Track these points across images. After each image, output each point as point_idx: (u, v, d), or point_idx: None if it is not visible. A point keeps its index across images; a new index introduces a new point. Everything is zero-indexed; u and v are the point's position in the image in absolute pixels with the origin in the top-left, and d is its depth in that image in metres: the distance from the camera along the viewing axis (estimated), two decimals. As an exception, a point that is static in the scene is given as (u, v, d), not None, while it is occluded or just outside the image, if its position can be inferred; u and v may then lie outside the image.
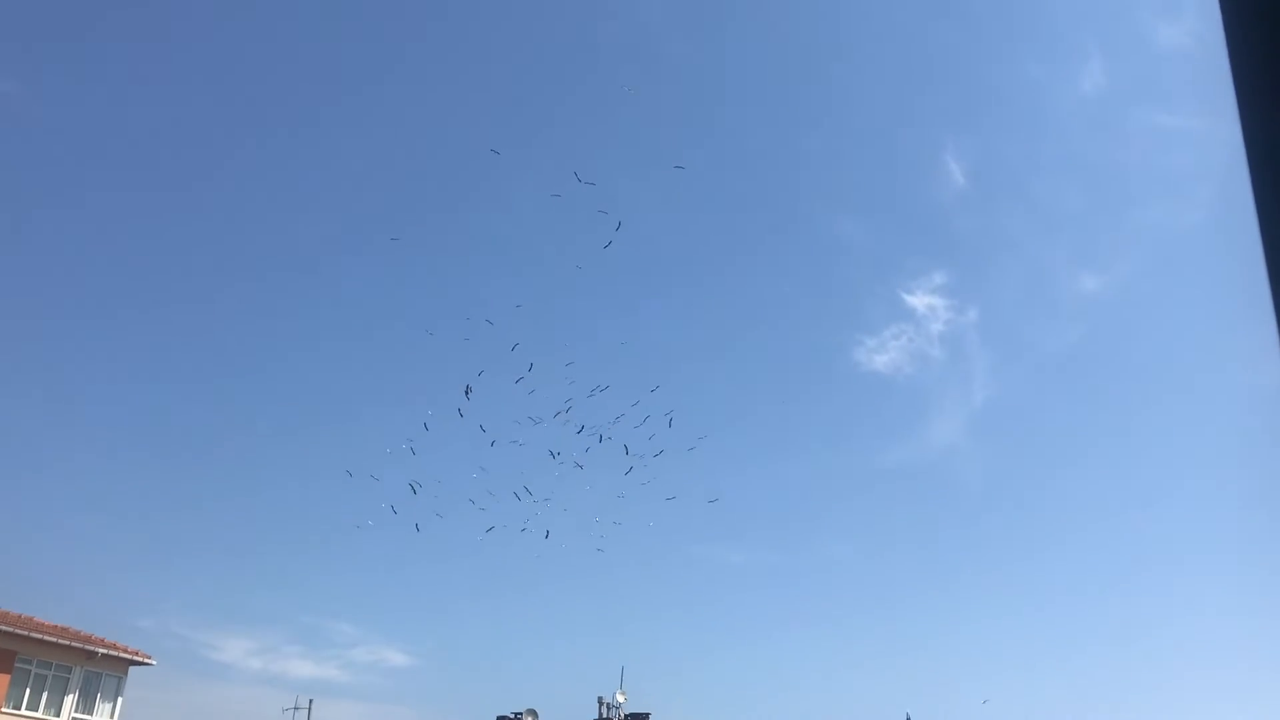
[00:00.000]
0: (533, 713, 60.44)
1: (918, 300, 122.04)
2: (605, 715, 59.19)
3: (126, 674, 41.52)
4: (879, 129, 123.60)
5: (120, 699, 41.25)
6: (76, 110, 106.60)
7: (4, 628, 37.11)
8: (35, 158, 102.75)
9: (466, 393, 37.03)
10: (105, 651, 40.38)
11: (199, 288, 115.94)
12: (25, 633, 37.85)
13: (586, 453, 38.71)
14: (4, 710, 37.13)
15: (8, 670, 37.31)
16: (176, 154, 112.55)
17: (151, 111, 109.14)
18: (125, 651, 41.47)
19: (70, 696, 39.39)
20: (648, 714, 57.27)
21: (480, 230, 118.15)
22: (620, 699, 59.12)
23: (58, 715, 38.92)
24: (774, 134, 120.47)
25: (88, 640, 40.11)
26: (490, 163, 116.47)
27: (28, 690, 38.13)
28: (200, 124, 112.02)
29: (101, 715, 40.50)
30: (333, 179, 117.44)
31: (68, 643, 39.11)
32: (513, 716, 59.91)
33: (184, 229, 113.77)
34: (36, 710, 38.30)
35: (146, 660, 42.25)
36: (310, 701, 76.27)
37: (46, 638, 38.62)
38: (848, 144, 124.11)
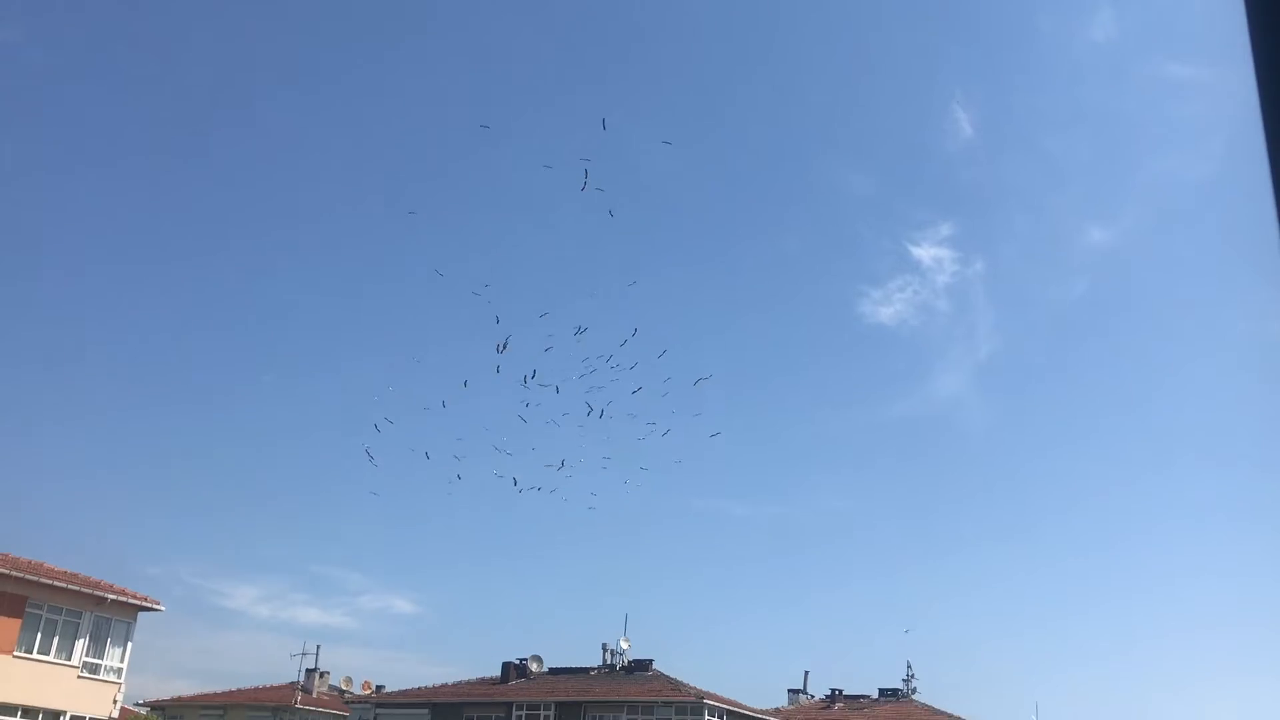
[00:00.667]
0: (537, 659, 61.21)
1: (924, 252, 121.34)
2: (609, 662, 59.92)
3: (136, 619, 41.96)
4: (886, 80, 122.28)
5: (130, 644, 41.72)
6: (77, 56, 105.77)
7: (14, 573, 37.47)
8: (37, 103, 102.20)
9: (500, 348, 37.32)
10: (114, 597, 40.77)
11: (205, 239, 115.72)
12: (35, 578, 38.18)
13: (597, 416, 38.81)
14: (17, 654, 37.59)
15: (19, 615, 37.69)
16: (180, 101, 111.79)
17: (153, 58, 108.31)
18: (134, 597, 41.88)
19: (81, 641, 39.82)
20: (650, 660, 58.07)
21: (487, 195, 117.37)
22: (624, 646, 59.85)
23: (69, 659, 39.38)
24: (779, 86, 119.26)
25: (96, 586, 40.50)
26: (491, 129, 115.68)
27: (39, 635, 38.53)
28: (207, 69, 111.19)
29: (112, 659, 40.98)
30: (342, 135, 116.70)
31: (77, 588, 39.48)
32: (518, 663, 60.69)
33: (187, 182, 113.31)
34: (49, 654, 38.74)
35: (155, 606, 42.68)
36: (318, 647, 77.18)
37: (56, 583, 38.96)
38: (854, 96, 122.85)
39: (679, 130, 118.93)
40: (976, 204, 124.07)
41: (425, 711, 57.77)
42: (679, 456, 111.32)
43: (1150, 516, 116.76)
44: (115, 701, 41.33)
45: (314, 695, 67.49)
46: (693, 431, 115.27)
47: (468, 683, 60.99)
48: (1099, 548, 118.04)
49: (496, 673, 60.54)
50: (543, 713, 54.16)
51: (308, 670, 68.26)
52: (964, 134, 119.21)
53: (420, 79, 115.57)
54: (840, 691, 67.59)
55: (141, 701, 68.82)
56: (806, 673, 70.36)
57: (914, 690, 65.26)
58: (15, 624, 37.73)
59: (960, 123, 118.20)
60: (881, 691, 66.37)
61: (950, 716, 60.35)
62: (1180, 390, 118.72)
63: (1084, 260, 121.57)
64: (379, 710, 60.01)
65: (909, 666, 66.95)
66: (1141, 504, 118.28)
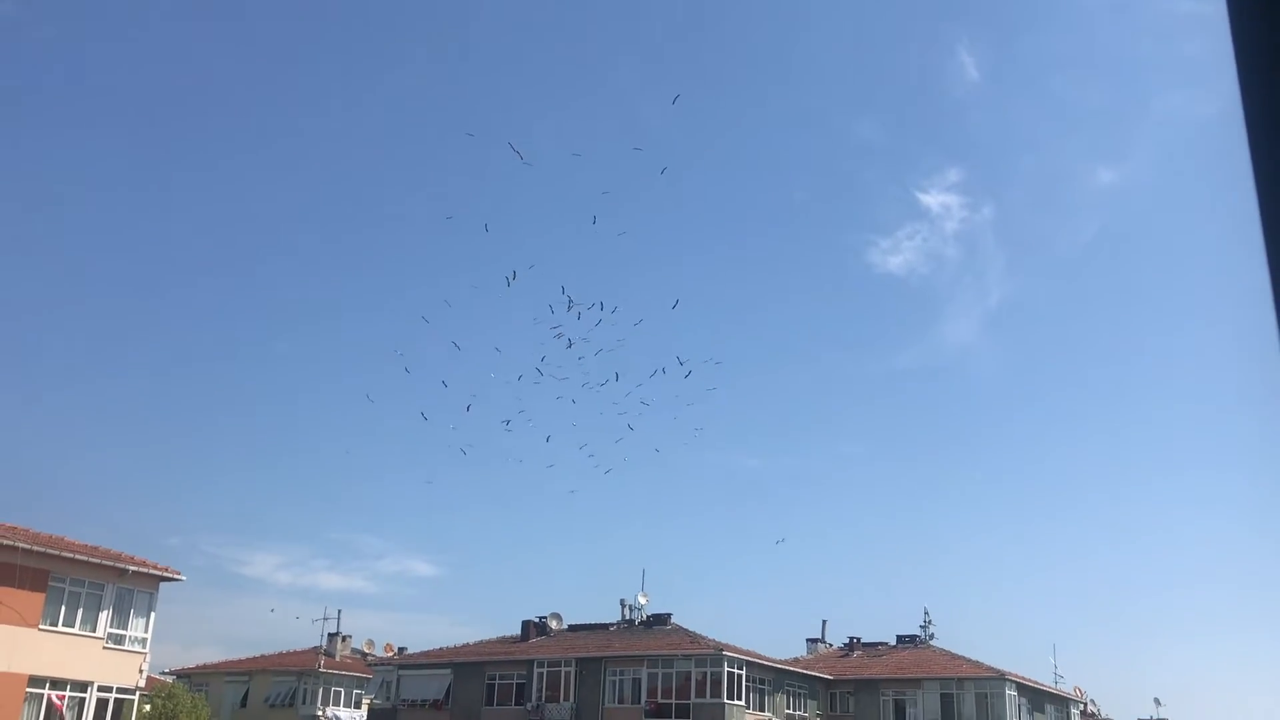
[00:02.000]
0: (557, 616, 61.68)
1: (932, 199, 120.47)
2: (628, 617, 60.38)
3: (157, 590, 42.28)
4: (891, 26, 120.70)
5: (153, 614, 42.07)
6: (75, 29, 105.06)
7: (35, 547, 37.76)
8: (36, 75, 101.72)
9: (510, 280, 37.51)
10: (135, 569, 41.06)
11: (215, 204, 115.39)
12: (56, 552, 38.50)
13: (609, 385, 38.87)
14: (43, 627, 37.97)
15: (42, 589, 38.02)
16: (179, 69, 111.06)
17: (152, 33, 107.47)
18: (155, 568, 42.19)
19: (105, 613, 40.17)
20: (669, 614, 58.49)
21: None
22: (642, 601, 60.27)
23: (94, 631, 39.76)
24: (784, 35, 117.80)
25: (117, 558, 40.78)
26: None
27: (63, 608, 38.86)
28: (209, 39, 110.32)
29: (136, 630, 41.36)
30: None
31: (98, 561, 39.74)
32: (538, 621, 61.19)
33: (184, 150, 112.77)
34: (74, 626, 39.10)
35: (176, 576, 43.02)
36: (339, 612, 77.97)
37: (77, 556, 39.27)
38: (860, 42, 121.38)
39: (684, 83, 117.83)
40: (984, 149, 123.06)
41: (448, 671, 58.41)
42: (699, 424, 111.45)
43: (1162, 460, 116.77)
44: (141, 671, 41.82)
45: (337, 659, 68.28)
46: (702, 387, 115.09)
47: (489, 642, 61.58)
48: (1111, 490, 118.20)
49: (517, 631, 61.10)
50: (564, 669, 54.71)
51: (330, 635, 69.02)
52: (970, 78, 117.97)
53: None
54: (858, 639, 68.09)
55: (167, 670, 69.74)
56: (824, 622, 70.94)
57: (931, 636, 65.72)
58: (39, 598, 38.08)
59: (966, 67, 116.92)
60: (899, 638, 66.84)
61: (968, 660, 60.77)
62: (1193, 329, 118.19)
63: (1094, 202, 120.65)
64: (402, 672, 60.70)
65: (926, 613, 67.43)
66: (1153, 447, 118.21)
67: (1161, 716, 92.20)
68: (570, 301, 37.09)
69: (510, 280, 37.51)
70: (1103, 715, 78.13)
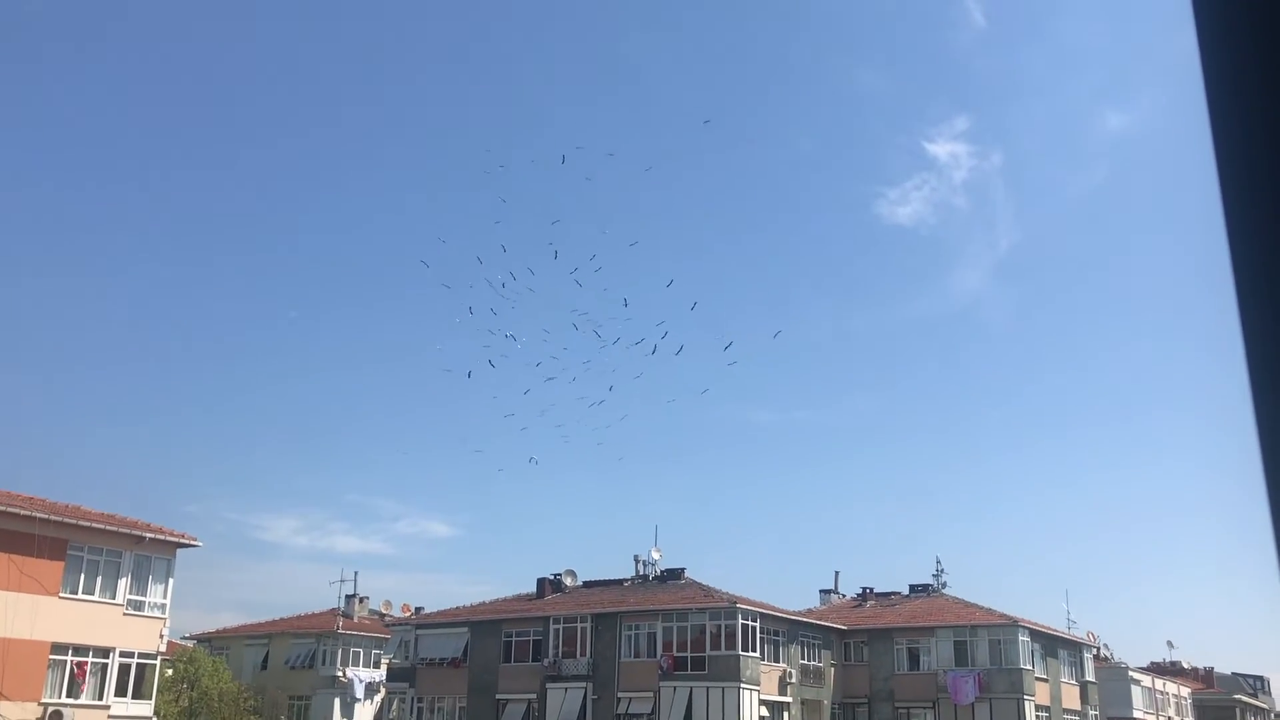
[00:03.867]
0: (571, 573, 62.12)
1: (939, 148, 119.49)
2: (641, 573, 60.78)
3: (175, 556, 42.64)
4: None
5: (171, 580, 42.47)
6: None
7: (53, 517, 38.12)
8: (44, 37, 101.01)
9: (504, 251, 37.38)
10: (152, 535, 41.40)
11: (237, 177, 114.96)
12: (74, 521, 38.86)
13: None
14: (63, 595, 38.40)
15: (60, 558, 38.43)
16: (179, 69, 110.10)
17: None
18: (171, 535, 42.53)
19: (123, 580, 40.56)
20: (682, 569, 58.82)
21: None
22: (655, 556, 60.61)
23: (114, 598, 40.16)
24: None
25: (134, 525, 41.12)
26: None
27: (82, 575, 39.28)
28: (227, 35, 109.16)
29: (155, 596, 41.78)
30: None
31: (115, 529, 40.09)
32: (552, 578, 61.64)
33: (191, 134, 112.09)
34: (93, 594, 39.50)
35: (193, 542, 43.38)
36: (355, 574, 78.63)
37: (95, 525, 39.63)
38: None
39: (687, 38, 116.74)
40: (992, 96, 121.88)
41: (465, 630, 58.98)
42: (704, 385, 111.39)
43: (1171, 402, 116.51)
44: (161, 636, 42.31)
45: (355, 620, 68.96)
46: (712, 345, 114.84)
47: (504, 600, 62.11)
48: (1122, 436, 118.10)
49: (532, 589, 61.60)
50: (579, 624, 55.18)
51: (347, 596, 69.67)
52: (976, 24, 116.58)
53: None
54: (871, 590, 68.48)
55: (188, 635, 70.60)
56: (837, 573, 71.33)
57: (944, 585, 66.06)
58: (58, 566, 38.48)
59: (972, 13, 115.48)
60: (912, 588, 67.22)
61: (981, 608, 61.13)
62: (1209, 270, 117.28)
63: (1103, 147, 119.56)
64: (419, 631, 61.31)
65: (938, 562, 67.71)
66: (1163, 391, 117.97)
67: (1174, 659, 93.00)
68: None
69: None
70: (1115, 659, 78.68)
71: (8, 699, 35.98)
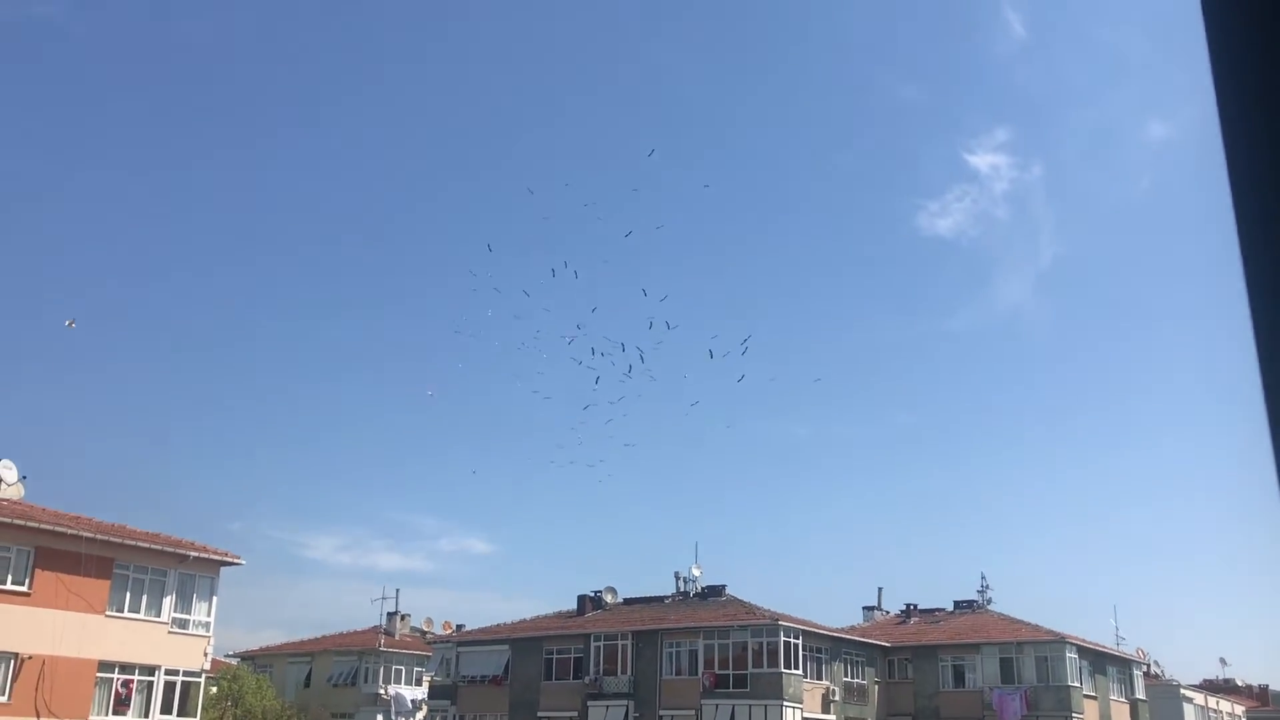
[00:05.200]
0: (612, 590, 61.96)
1: (980, 160, 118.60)
2: (682, 589, 60.50)
3: (218, 574, 43.06)
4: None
5: (215, 598, 42.88)
6: (114, 29, 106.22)
7: (100, 536, 38.65)
8: (76, 75, 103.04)
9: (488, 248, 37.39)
10: (196, 554, 41.86)
11: (263, 178, 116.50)
12: (119, 540, 39.39)
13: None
14: (109, 614, 38.88)
15: (107, 576, 38.91)
16: (211, 65, 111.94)
17: (189, 25, 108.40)
18: (215, 553, 42.97)
19: (168, 598, 41.00)
20: (723, 585, 58.48)
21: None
22: (695, 573, 60.35)
23: (159, 616, 40.62)
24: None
25: (178, 544, 41.58)
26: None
27: (128, 594, 39.76)
28: (243, 31, 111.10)
29: (199, 614, 42.19)
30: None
31: (160, 548, 40.57)
32: (593, 595, 61.52)
33: (210, 144, 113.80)
34: (139, 612, 39.96)
35: (236, 560, 43.78)
36: (397, 591, 78.98)
37: (140, 544, 40.13)
38: (901, 2, 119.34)
39: (725, 52, 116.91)
40: (1032, 106, 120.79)
41: (506, 647, 58.98)
42: (741, 400, 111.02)
43: (1214, 415, 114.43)
44: (205, 654, 42.67)
45: (396, 638, 69.21)
46: (749, 356, 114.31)
47: (545, 617, 62.05)
48: (1166, 449, 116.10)
49: (573, 606, 61.50)
50: (620, 642, 54.98)
51: (389, 614, 69.96)
52: (1016, 34, 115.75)
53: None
54: (915, 606, 67.72)
55: (231, 653, 71.15)
56: (880, 589, 70.63)
57: (989, 601, 65.19)
58: (105, 585, 38.96)
59: (1011, 23, 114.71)
60: (956, 604, 66.37)
61: (1027, 624, 60.24)
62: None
63: (1145, 157, 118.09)
64: (460, 649, 61.38)
65: (983, 578, 66.79)
66: (1211, 402, 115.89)
67: (1228, 676, 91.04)
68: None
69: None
70: (1166, 676, 77.18)
71: (56, 717, 36.42)
